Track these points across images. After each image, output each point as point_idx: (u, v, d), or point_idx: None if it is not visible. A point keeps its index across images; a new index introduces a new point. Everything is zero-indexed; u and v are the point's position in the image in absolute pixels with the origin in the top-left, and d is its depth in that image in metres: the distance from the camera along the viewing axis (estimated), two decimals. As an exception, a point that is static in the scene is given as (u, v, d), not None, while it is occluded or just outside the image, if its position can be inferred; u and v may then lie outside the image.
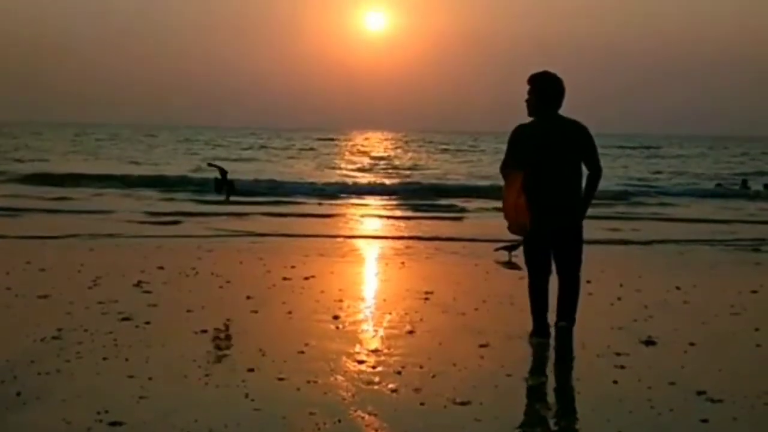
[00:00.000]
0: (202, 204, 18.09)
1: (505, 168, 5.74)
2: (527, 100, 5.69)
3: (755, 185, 26.50)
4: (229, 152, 50.40)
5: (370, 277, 9.24)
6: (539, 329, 5.94)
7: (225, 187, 7.82)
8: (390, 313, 6.90)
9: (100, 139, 66.94)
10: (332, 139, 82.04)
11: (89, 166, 31.66)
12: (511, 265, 9.46)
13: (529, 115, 5.71)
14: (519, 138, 5.69)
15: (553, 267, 6.02)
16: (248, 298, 7.37)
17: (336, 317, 6.68)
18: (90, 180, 23.86)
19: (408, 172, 35.01)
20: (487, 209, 18.42)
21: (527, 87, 5.68)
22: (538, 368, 5.43)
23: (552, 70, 5.74)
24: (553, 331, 5.97)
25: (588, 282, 8.51)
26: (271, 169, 32.97)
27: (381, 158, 48.64)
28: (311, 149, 59.59)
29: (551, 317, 6.02)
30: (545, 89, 5.62)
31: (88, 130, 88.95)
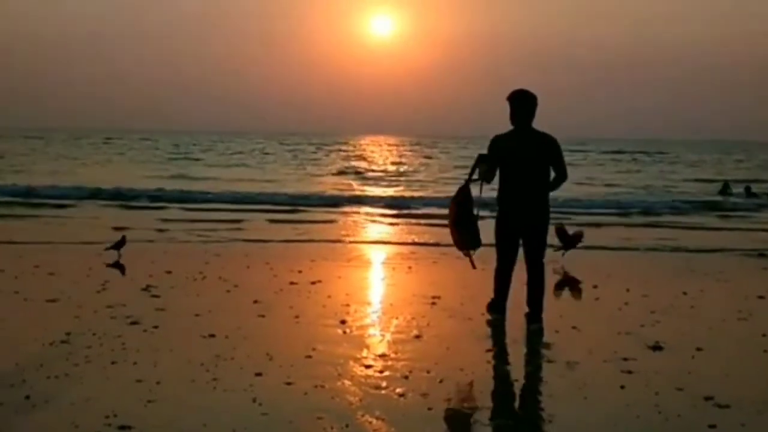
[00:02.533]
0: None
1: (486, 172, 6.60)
2: (510, 115, 6.52)
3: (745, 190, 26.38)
4: (217, 158, 49.77)
5: (377, 281, 9.24)
6: (499, 307, 6.80)
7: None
8: (397, 318, 6.91)
9: (92, 143, 66.59)
10: (326, 145, 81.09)
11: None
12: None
13: (512, 124, 6.54)
14: (497, 146, 6.51)
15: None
16: (255, 302, 7.39)
17: (343, 322, 6.69)
18: None
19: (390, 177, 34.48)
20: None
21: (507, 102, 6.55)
22: (545, 373, 5.43)
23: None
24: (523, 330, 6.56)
25: (595, 287, 8.55)
26: (248, 176, 32.34)
27: (367, 162, 48.08)
28: (303, 154, 58.15)
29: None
30: (520, 106, 6.48)
31: (90, 136, 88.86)
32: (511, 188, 6.45)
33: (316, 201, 21.59)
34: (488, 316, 6.89)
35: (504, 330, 6.59)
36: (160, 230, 14.02)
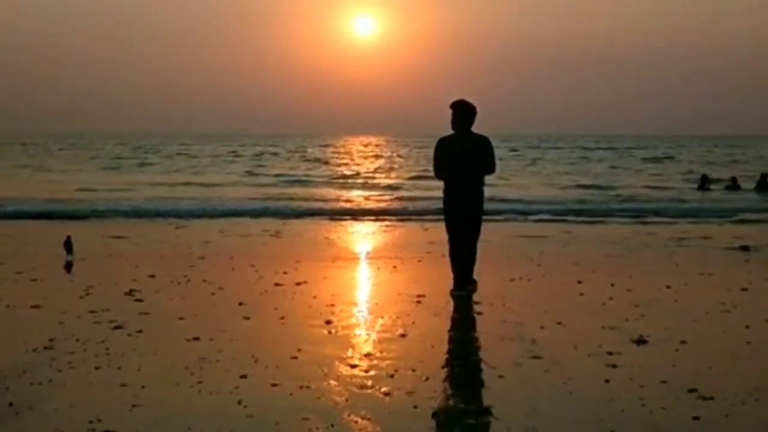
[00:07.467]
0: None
1: (438, 173, 7.75)
2: (452, 120, 7.67)
3: (745, 184, 26.48)
4: (188, 161, 47.81)
5: (362, 281, 9.24)
6: (459, 283, 7.75)
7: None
8: (382, 317, 6.91)
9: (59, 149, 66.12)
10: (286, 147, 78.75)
11: None
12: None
13: (452, 129, 7.71)
14: (442, 148, 7.70)
15: None
16: (240, 304, 7.37)
17: (328, 322, 6.69)
18: None
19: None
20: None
21: (450, 111, 7.69)
22: (530, 369, 5.44)
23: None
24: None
25: (579, 282, 8.59)
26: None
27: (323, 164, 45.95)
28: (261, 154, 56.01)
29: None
30: (459, 114, 7.66)
31: (76, 141, 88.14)
32: (454, 181, 7.64)
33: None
34: (457, 298, 7.65)
35: (489, 327, 6.61)
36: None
